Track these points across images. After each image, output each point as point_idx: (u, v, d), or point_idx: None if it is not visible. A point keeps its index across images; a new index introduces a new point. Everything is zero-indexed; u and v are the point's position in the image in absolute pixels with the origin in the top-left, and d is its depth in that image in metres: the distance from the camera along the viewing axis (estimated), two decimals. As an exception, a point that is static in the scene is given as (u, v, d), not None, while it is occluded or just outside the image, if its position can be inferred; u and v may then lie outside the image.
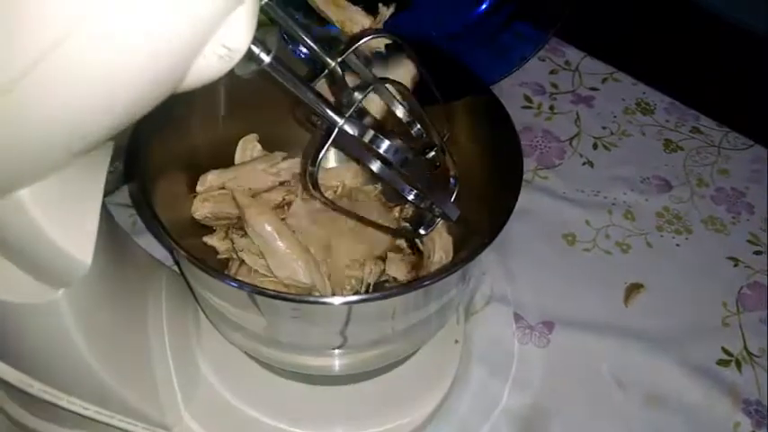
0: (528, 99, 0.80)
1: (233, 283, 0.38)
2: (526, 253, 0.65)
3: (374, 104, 0.43)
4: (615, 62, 0.84)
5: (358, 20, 0.45)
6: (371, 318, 0.43)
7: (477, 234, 0.44)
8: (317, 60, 0.38)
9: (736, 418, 0.55)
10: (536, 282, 0.62)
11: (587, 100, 0.80)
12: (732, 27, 0.93)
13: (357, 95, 0.34)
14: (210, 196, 0.52)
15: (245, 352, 0.51)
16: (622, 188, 0.71)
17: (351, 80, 0.38)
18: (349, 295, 0.48)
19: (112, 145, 0.37)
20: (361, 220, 0.49)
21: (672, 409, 0.55)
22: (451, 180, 0.42)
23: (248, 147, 0.56)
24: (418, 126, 0.41)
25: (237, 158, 0.56)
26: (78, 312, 0.37)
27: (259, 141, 0.57)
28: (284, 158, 0.55)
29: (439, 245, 0.52)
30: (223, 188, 0.53)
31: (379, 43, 0.44)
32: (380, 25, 0.45)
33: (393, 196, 0.48)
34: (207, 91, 0.29)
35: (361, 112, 0.35)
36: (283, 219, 0.51)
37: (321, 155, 0.33)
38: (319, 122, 0.39)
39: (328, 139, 0.33)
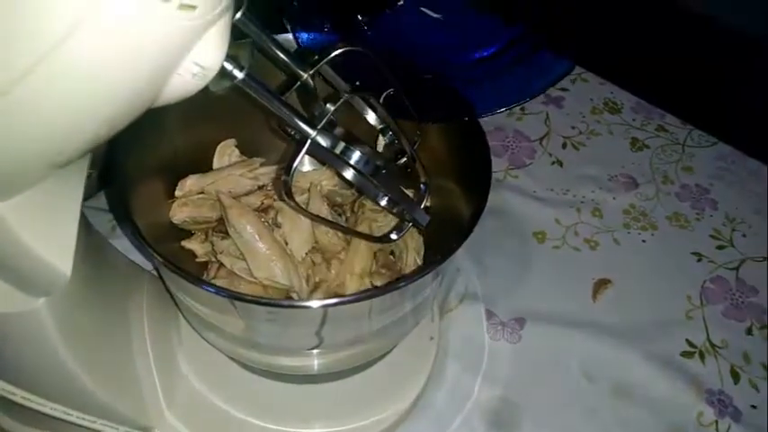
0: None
1: (210, 289, 0.39)
2: (498, 251, 0.66)
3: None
4: (583, 62, 0.86)
5: None
6: (347, 319, 0.44)
7: (448, 232, 0.46)
8: (292, 69, 0.39)
9: (699, 408, 0.57)
10: (508, 279, 0.64)
11: (557, 100, 0.82)
12: (697, 24, 0.96)
13: (329, 107, 0.35)
14: (189, 200, 0.53)
15: (224, 353, 0.52)
16: (590, 186, 0.73)
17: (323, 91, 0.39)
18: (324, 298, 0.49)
19: (90, 156, 0.38)
20: (335, 226, 0.51)
21: (638, 400, 0.57)
22: (422, 186, 0.43)
23: (226, 152, 0.57)
24: (390, 133, 0.43)
25: (216, 164, 0.57)
26: (59, 320, 0.38)
27: (237, 147, 0.58)
28: (262, 164, 0.56)
29: (411, 246, 0.54)
30: (202, 192, 0.54)
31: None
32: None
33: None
34: (186, 98, 0.30)
35: (333, 123, 0.36)
36: (264, 221, 0.52)
37: (294, 165, 0.35)
38: (293, 132, 0.40)
39: (301, 150, 0.34)
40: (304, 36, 0.46)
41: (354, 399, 0.53)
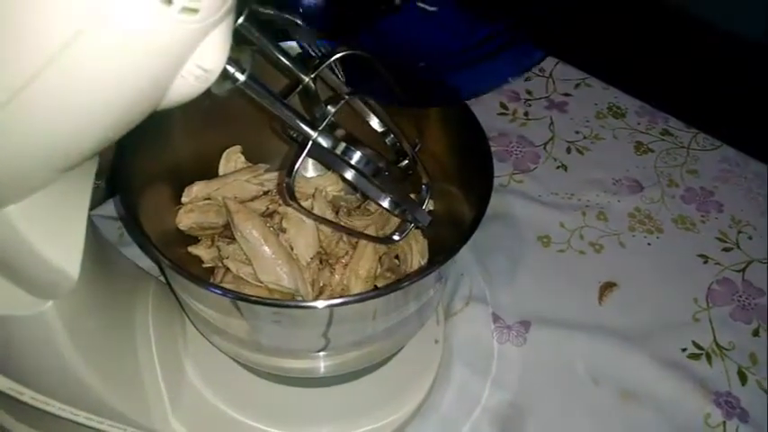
0: (503, 106, 0.82)
1: (217, 291, 0.39)
2: (503, 255, 0.67)
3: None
4: (587, 68, 0.87)
5: None
6: (352, 320, 0.44)
7: (452, 237, 0.46)
8: (293, 73, 0.40)
9: (707, 410, 0.57)
10: (513, 282, 0.64)
11: (561, 105, 0.82)
12: (700, 29, 0.96)
13: (330, 109, 0.36)
14: (195, 206, 0.54)
15: (231, 357, 0.53)
16: (595, 190, 0.73)
17: (324, 94, 0.40)
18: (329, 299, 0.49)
19: (97, 160, 0.38)
20: (339, 227, 0.51)
21: (645, 403, 0.57)
22: (423, 187, 0.44)
23: (232, 158, 0.58)
24: (391, 136, 0.43)
25: (221, 170, 0.58)
26: (67, 323, 0.38)
27: (242, 153, 0.58)
28: (267, 170, 0.57)
29: (416, 249, 0.54)
30: (208, 198, 0.55)
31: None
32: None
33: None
34: (190, 105, 0.31)
35: (334, 125, 0.37)
36: (270, 226, 0.53)
37: (296, 167, 0.35)
38: (295, 135, 0.41)
39: (303, 152, 0.35)
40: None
41: (360, 402, 0.53)
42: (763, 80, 0.84)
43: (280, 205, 0.55)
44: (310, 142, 0.34)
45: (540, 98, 0.83)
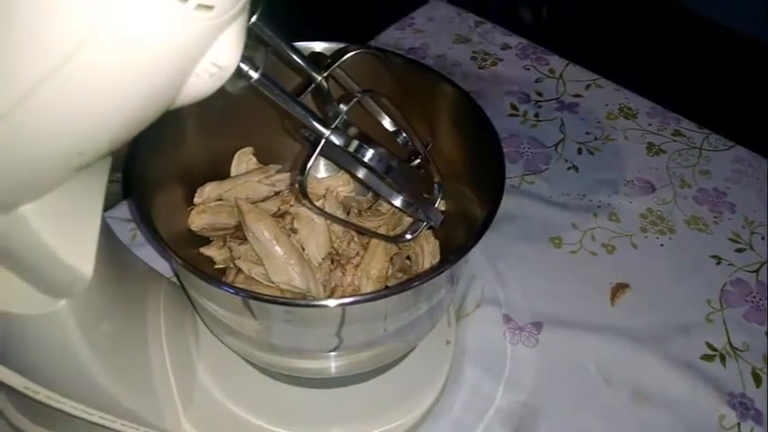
0: (514, 107, 0.82)
1: (229, 289, 0.40)
2: (515, 256, 0.66)
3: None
4: (598, 69, 0.87)
5: None
6: (364, 320, 0.44)
7: (463, 237, 0.46)
8: (306, 72, 0.40)
9: (721, 411, 0.56)
10: (525, 284, 0.64)
11: (571, 106, 0.82)
12: (710, 29, 0.96)
13: (342, 107, 0.36)
14: (208, 208, 0.54)
15: (243, 357, 0.53)
16: (607, 191, 0.73)
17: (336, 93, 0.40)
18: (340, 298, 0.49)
19: (110, 160, 0.39)
20: (351, 226, 0.51)
21: (658, 404, 0.57)
22: (435, 186, 0.44)
23: (244, 160, 0.58)
24: (403, 135, 0.43)
25: (233, 171, 0.58)
26: (80, 322, 0.38)
27: (254, 155, 0.58)
28: (278, 171, 0.57)
29: (427, 250, 0.54)
30: (220, 199, 0.55)
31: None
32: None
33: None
34: (203, 106, 0.31)
35: (347, 124, 0.37)
36: (281, 227, 0.53)
37: (309, 165, 0.35)
38: (307, 134, 0.41)
39: (316, 150, 0.35)
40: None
41: (372, 403, 0.53)
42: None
43: (291, 206, 0.55)
44: (323, 140, 0.34)
45: (551, 99, 0.83)
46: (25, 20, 0.24)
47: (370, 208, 0.59)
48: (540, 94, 0.83)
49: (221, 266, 0.54)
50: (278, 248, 0.50)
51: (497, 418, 0.55)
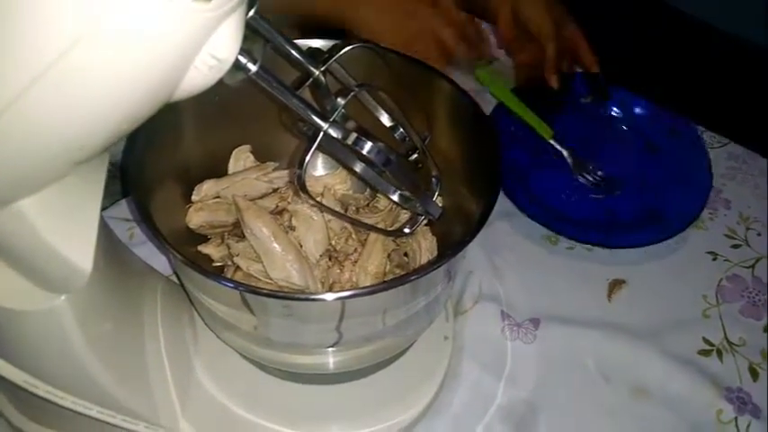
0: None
1: (228, 284, 0.40)
2: (512, 253, 0.67)
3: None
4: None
5: None
6: (361, 314, 0.44)
7: (461, 234, 0.46)
8: (303, 66, 0.40)
9: (718, 406, 0.57)
10: (522, 280, 0.65)
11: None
12: (704, 29, 0.96)
13: (340, 101, 0.36)
14: (205, 205, 0.54)
15: (241, 354, 0.53)
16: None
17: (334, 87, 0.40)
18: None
19: (107, 155, 0.39)
20: (352, 222, 0.51)
21: (657, 399, 0.57)
22: (433, 180, 0.44)
23: (241, 157, 0.58)
24: (401, 129, 0.43)
25: (231, 169, 0.58)
26: (79, 318, 0.38)
27: (251, 152, 0.59)
28: (276, 168, 0.57)
29: (425, 246, 0.54)
30: (218, 197, 0.55)
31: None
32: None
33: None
34: (200, 104, 0.31)
35: (345, 118, 0.37)
36: (279, 224, 0.53)
37: (308, 158, 0.36)
38: (305, 128, 0.41)
39: (314, 143, 0.35)
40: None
41: (371, 399, 0.53)
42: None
43: (289, 203, 0.55)
44: (321, 133, 0.35)
45: (547, 98, 0.83)
46: (23, 14, 0.24)
47: (367, 205, 0.59)
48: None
49: (219, 264, 0.54)
50: (276, 245, 0.50)
51: (497, 414, 0.55)
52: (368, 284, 0.51)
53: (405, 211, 0.55)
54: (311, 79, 0.39)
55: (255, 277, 0.51)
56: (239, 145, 0.58)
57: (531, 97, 0.76)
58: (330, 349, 0.47)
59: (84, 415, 0.39)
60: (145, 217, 0.43)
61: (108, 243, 0.44)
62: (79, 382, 0.41)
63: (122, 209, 0.67)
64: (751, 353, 0.60)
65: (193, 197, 0.55)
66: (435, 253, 0.55)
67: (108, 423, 0.41)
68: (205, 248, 0.54)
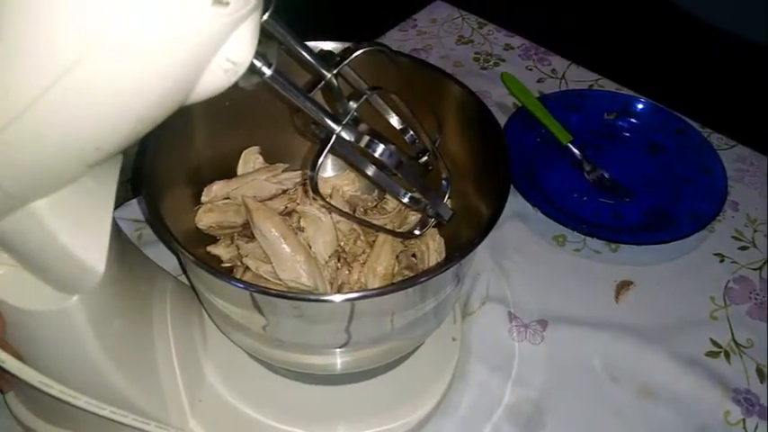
0: (517, 107, 0.82)
1: (239, 284, 0.40)
2: (519, 255, 0.67)
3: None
4: (600, 69, 0.87)
5: None
6: (370, 316, 0.44)
7: (469, 235, 0.46)
8: (316, 69, 0.41)
9: (726, 407, 0.57)
10: (530, 282, 0.65)
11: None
12: (711, 31, 0.96)
13: (352, 104, 0.36)
14: (215, 206, 0.54)
15: (250, 354, 0.53)
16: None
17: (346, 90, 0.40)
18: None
19: (121, 157, 0.39)
20: (362, 223, 0.51)
21: (664, 400, 0.57)
22: (444, 182, 0.44)
23: (251, 159, 0.58)
24: (411, 132, 0.43)
25: (240, 170, 0.58)
26: (91, 319, 0.39)
27: (261, 154, 0.59)
28: (285, 169, 0.57)
29: (433, 248, 0.54)
30: (227, 198, 0.55)
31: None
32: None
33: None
34: (210, 107, 0.31)
35: (357, 120, 0.37)
36: (288, 225, 0.53)
37: (320, 161, 0.36)
38: (318, 131, 0.41)
39: (327, 146, 0.35)
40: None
41: (379, 400, 0.54)
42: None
43: (298, 204, 0.55)
44: (334, 136, 0.35)
45: (554, 99, 0.83)
46: (41, 19, 0.24)
47: (375, 207, 0.59)
48: (542, 93, 0.84)
49: (228, 265, 0.55)
50: (285, 246, 0.51)
51: (504, 415, 0.55)
52: (376, 286, 0.51)
53: (413, 212, 0.56)
54: (323, 82, 0.39)
55: (264, 278, 0.51)
56: (248, 146, 0.59)
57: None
58: (339, 350, 0.48)
59: (97, 415, 0.40)
60: (155, 217, 0.43)
61: (119, 243, 0.44)
62: (91, 381, 0.41)
63: (131, 210, 0.68)
64: (758, 354, 0.60)
65: (203, 198, 0.55)
66: (444, 254, 0.55)
67: (120, 423, 0.41)
68: (215, 249, 0.54)
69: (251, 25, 0.29)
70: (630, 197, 0.72)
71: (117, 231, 0.44)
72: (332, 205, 0.44)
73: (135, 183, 0.47)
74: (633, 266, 0.66)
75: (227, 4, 0.26)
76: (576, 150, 0.75)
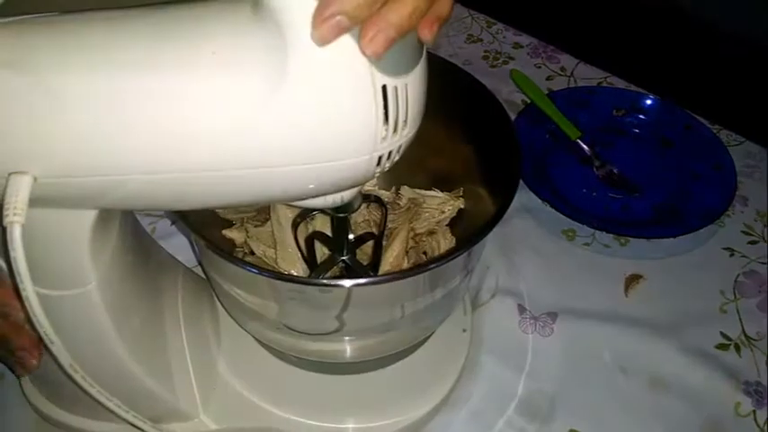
0: (526, 104, 0.83)
1: (253, 269, 0.40)
2: (528, 249, 0.67)
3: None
4: (608, 67, 0.88)
5: None
6: (379, 303, 0.45)
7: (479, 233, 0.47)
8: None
9: (737, 399, 0.57)
10: (539, 275, 0.65)
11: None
12: (719, 31, 0.96)
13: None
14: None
15: (261, 343, 0.54)
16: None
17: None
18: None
19: None
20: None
21: (675, 392, 0.57)
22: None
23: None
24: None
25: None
26: (107, 302, 0.39)
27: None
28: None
29: (443, 245, 0.55)
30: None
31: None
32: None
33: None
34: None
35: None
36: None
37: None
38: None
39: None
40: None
41: (390, 389, 0.54)
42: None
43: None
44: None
45: (563, 96, 0.83)
46: None
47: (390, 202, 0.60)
48: (551, 91, 0.84)
49: (241, 249, 0.55)
50: (293, 240, 0.51)
51: (515, 406, 0.55)
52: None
53: (425, 210, 0.56)
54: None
55: (266, 262, 0.52)
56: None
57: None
58: (349, 337, 0.48)
59: (103, 405, 0.40)
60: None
61: (136, 234, 0.45)
62: (106, 369, 0.42)
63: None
64: (769, 347, 0.60)
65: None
66: (454, 249, 0.55)
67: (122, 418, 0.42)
68: (230, 233, 0.55)
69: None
70: (639, 192, 0.72)
71: (133, 221, 0.45)
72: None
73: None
74: (642, 260, 0.67)
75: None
76: (584, 146, 0.76)
